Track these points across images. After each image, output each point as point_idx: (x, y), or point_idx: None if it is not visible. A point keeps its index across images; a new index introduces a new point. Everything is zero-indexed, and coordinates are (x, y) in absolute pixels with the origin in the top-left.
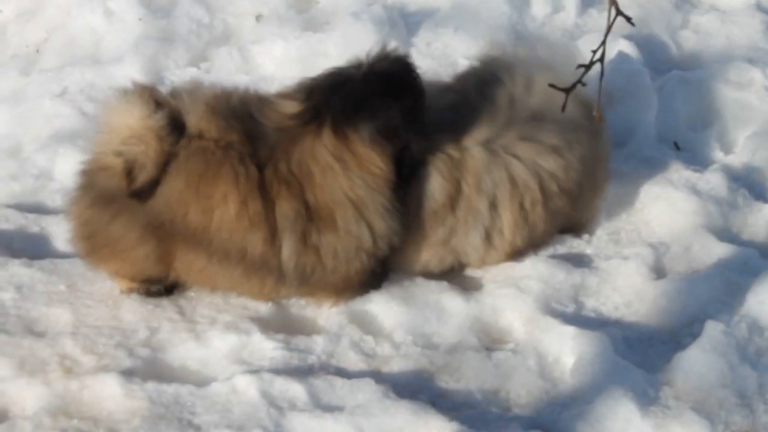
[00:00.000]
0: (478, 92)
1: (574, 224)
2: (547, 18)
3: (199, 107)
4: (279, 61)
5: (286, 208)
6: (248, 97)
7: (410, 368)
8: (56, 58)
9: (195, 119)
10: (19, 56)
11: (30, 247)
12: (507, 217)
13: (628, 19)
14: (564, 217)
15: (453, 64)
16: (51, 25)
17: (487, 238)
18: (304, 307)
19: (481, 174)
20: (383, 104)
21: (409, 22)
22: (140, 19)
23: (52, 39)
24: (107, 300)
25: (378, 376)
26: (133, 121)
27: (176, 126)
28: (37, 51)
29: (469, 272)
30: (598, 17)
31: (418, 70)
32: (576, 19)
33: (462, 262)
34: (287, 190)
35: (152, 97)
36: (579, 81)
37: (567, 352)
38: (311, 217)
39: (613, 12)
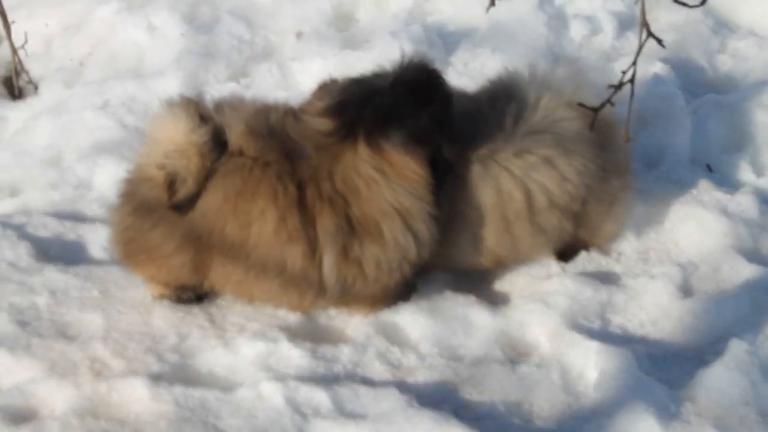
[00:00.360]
0: (490, 105)
1: (584, 240)
2: (584, 40)
3: (238, 126)
4: (317, 78)
5: (327, 224)
6: (286, 114)
7: (435, 379)
8: (99, 72)
9: (235, 137)
10: (64, 69)
11: (66, 254)
12: (490, 227)
13: (659, 41)
14: (563, 232)
15: None
16: (95, 39)
17: (473, 244)
18: (332, 318)
19: (474, 191)
20: (412, 111)
21: (447, 42)
22: (182, 35)
23: (95, 53)
24: (139, 306)
25: (402, 386)
26: (177, 135)
27: (218, 142)
28: (81, 64)
29: (497, 287)
30: (636, 40)
31: (443, 76)
32: (613, 42)
33: (450, 265)
34: (330, 207)
35: (197, 111)
36: (608, 100)
37: (591, 366)
38: (354, 230)
39: (645, 34)
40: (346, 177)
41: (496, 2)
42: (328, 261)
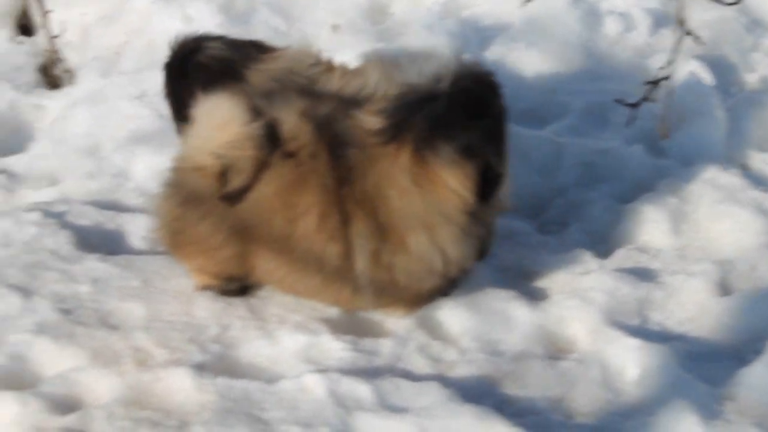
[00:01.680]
0: None
1: None
2: (618, 36)
3: (292, 116)
4: None
5: (360, 227)
6: (337, 106)
7: (475, 374)
8: (135, 61)
9: (288, 128)
10: (100, 58)
11: (106, 243)
12: None
13: (697, 38)
14: None
15: (522, 78)
16: (131, 29)
17: None
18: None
19: None
20: (464, 124)
21: (482, 37)
22: (218, 26)
23: (132, 43)
24: (180, 297)
25: (443, 380)
26: (233, 127)
27: (272, 135)
28: (117, 54)
29: (536, 282)
30: (671, 37)
31: (499, 88)
32: (648, 39)
33: None
34: (361, 210)
35: (250, 102)
36: (645, 97)
37: (630, 363)
38: (384, 237)
39: (682, 31)
40: (378, 183)
41: None
42: (360, 265)
